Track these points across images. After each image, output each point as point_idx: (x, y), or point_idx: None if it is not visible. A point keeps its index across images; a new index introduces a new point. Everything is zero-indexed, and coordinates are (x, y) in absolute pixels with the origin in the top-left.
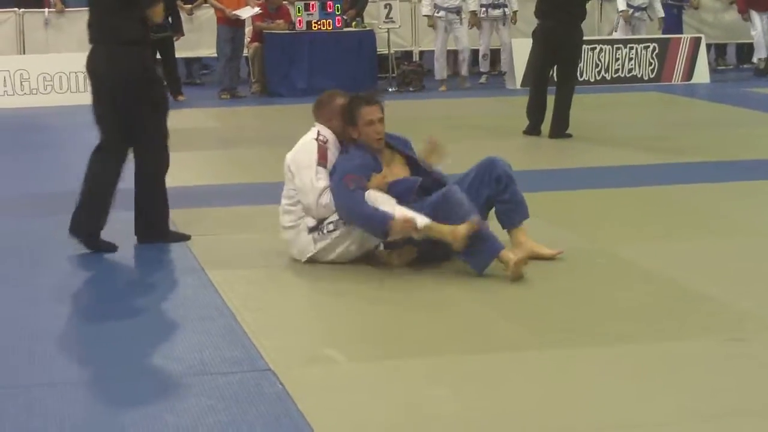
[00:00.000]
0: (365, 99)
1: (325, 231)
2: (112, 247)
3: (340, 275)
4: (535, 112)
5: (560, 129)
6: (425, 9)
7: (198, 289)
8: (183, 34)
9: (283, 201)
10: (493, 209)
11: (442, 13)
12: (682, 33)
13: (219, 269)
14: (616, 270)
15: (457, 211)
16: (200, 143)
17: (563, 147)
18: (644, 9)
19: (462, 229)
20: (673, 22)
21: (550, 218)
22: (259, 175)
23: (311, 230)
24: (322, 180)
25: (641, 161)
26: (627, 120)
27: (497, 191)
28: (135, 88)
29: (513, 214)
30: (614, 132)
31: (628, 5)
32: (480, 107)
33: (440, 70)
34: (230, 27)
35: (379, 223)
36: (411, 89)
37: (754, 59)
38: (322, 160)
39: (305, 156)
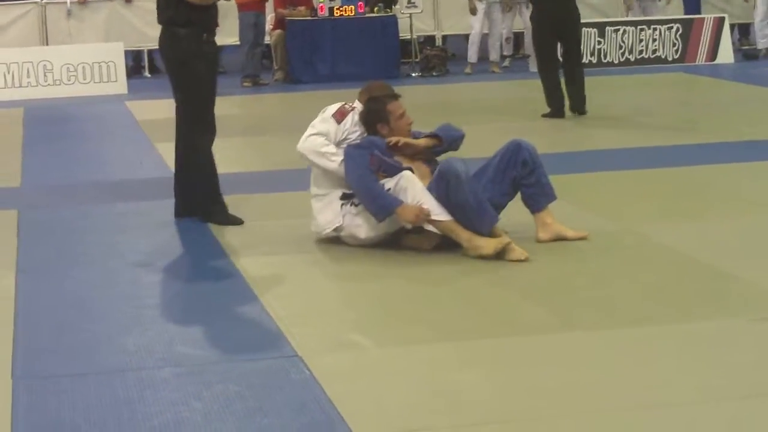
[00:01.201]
0: (388, 96)
1: (357, 202)
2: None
3: (366, 260)
4: (554, 95)
5: (580, 105)
6: None
7: (225, 276)
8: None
9: (314, 170)
10: (519, 192)
11: None
12: (700, 13)
13: (246, 256)
14: (643, 251)
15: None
16: (224, 131)
17: (587, 129)
18: None
19: (494, 242)
20: (693, 3)
21: (575, 200)
22: (284, 162)
23: (342, 199)
24: (321, 125)
25: (666, 142)
26: (652, 101)
27: (523, 174)
28: (172, 68)
29: (539, 197)
30: (639, 113)
31: None
32: (504, 90)
33: (474, 54)
34: (252, 12)
35: (385, 205)
36: (434, 74)
37: (759, 42)
38: (338, 116)
39: (323, 114)
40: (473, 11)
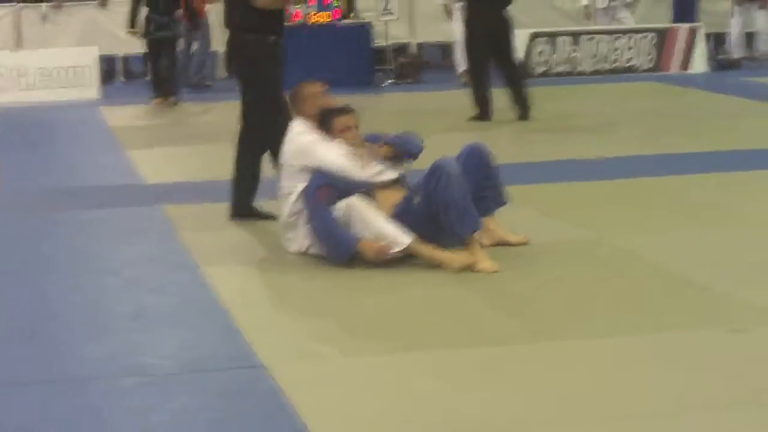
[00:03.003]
0: (339, 109)
1: None
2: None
3: (333, 270)
4: (482, 98)
5: (524, 111)
6: None
7: (192, 285)
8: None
9: (283, 193)
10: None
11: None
12: (695, 21)
13: (213, 265)
14: (615, 261)
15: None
16: (195, 138)
17: (557, 138)
18: None
19: (459, 259)
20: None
21: (545, 209)
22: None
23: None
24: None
25: (638, 152)
26: (624, 111)
27: (484, 177)
28: (242, 71)
29: (491, 202)
30: (611, 123)
31: None
32: None
33: (462, 60)
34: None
35: (344, 250)
36: (408, 81)
37: (733, 51)
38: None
39: (305, 138)
40: (450, 14)
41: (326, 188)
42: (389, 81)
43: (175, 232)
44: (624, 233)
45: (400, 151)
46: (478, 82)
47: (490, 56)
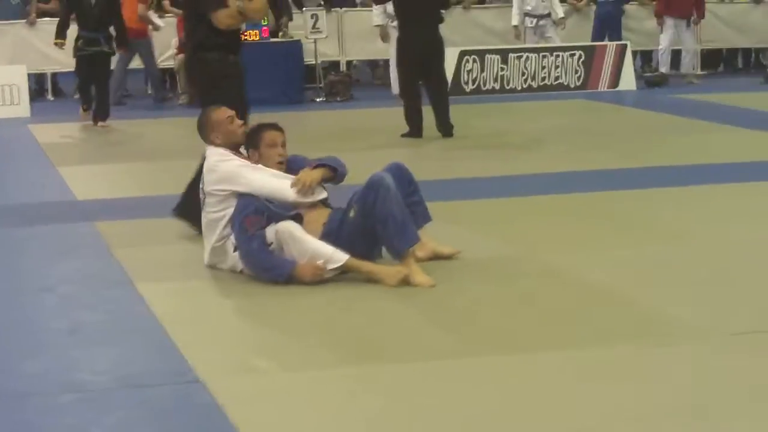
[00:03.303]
0: (269, 125)
1: None
2: None
3: (270, 287)
4: (413, 116)
5: (447, 129)
6: (377, 19)
7: (126, 302)
8: (125, 50)
9: (210, 219)
10: None
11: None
12: (620, 36)
13: (148, 282)
14: (544, 277)
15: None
16: (126, 155)
17: (485, 155)
18: (547, 15)
19: (395, 273)
20: (613, 24)
21: (473, 226)
22: (184, 185)
23: (236, 249)
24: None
25: (567, 168)
26: (553, 128)
27: (408, 192)
28: (202, 90)
29: (419, 218)
30: (539, 140)
31: (529, 15)
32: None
33: (396, 81)
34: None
35: (279, 274)
36: (338, 99)
37: (661, 67)
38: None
39: (228, 164)
40: (386, 36)
41: (253, 217)
42: (319, 99)
43: (109, 248)
44: (552, 249)
45: (337, 173)
46: (410, 100)
47: (421, 75)
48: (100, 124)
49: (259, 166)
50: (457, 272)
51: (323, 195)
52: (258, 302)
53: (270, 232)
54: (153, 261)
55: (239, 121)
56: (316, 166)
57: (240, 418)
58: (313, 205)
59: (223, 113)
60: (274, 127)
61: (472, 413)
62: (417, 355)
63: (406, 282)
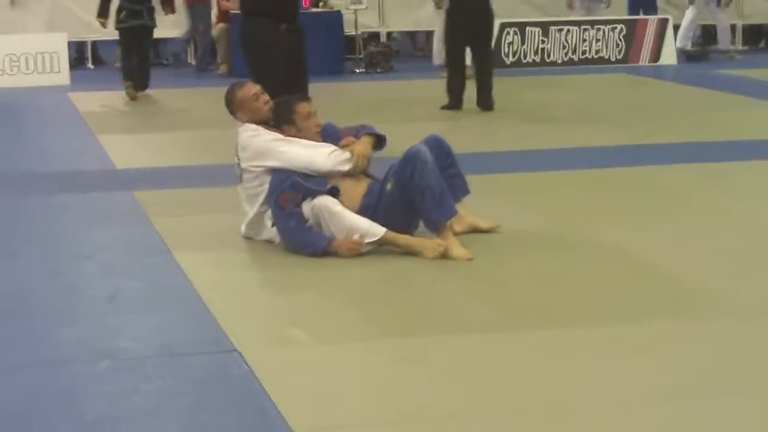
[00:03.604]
0: (298, 98)
1: None
2: None
3: (307, 258)
4: (455, 88)
5: (488, 103)
6: None
7: (164, 271)
8: (173, 11)
9: (249, 194)
10: None
11: None
12: (656, 12)
13: (186, 251)
14: (584, 251)
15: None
16: (165, 124)
17: (526, 128)
18: None
19: (434, 246)
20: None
21: (514, 200)
22: (224, 155)
23: (274, 224)
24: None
25: (608, 142)
26: (593, 102)
27: (445, 165)
28: (247, 55)
29: (457, 190)
30: (580, 113)
31: None
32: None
33: (439, 52)
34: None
35: (315, 249)
36: (378, 70)
37: (677, 43)
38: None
39: (260, 140)
40: (440, 3)
41: (289, 193)
42: (359, 70)
43: (147, 217)
44: (593, 223)
45: (381, 140)
46: (454, 72)
47: (469, 47)
48: (142, 95)
49: (293, 138)
50: (496, 246)
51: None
52: (295, 274)
53: (306, 208)
54: (191, 230)
55: (265, 97)
56: (359, 135)
57: (276, 389)
58: (348, 174)
59: (247, 90)
60: (303, 98)
61: (511, 387)
62: (456, 328)
63: (444, 255)
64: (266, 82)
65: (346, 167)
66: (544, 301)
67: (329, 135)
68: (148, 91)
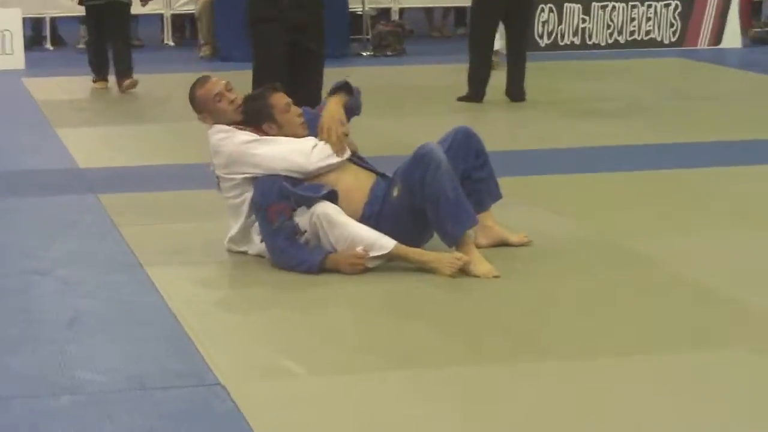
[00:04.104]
0: (269, 90)
1: None
2: None
3: (300, 276)
4: (478, 75)
5: (519, 91)
6: None
7: (135, 289)
8: None
9: (230, 204)
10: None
11: None
12: None
13: (160, 266)
14: (626, 268)
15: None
16: (136, 116)
17: (563, 122)
18: None
19: (452, 261)
20: None
21: (547, 206)
22: (203, 152)
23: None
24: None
25: (659, 140)
26: (643, 91)
27: (475, 166)
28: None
29: (485, 196)
30: (628, 105)
31: None
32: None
33: None
34: None
35: (310, 266)
36: (389, 53)
37: None
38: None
39: (231, 144)
40: None
41: (276, 204)
42: (367, 53)
43: (115, 225)
44: (637, 235)
45: (352, 92)
46: (480, 56)
47: (497, 26)
48: (126, 85)
49: (271, 138)
50: (526, 262)
51: (346, 154)
52: (287, 294)
53: (303, 219)
54: (166, 241)
55: (230, 96)
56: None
57: (265, 427)
58: (342, 168)
59: (209, 89)
60: (274, 89)
61: (536, 421)
62: (475, 359)
63: (464, 272)
64: (259, 66)
65: (335, 159)
66: (582, 326)
67: (313, 124)
68: (137, 77)
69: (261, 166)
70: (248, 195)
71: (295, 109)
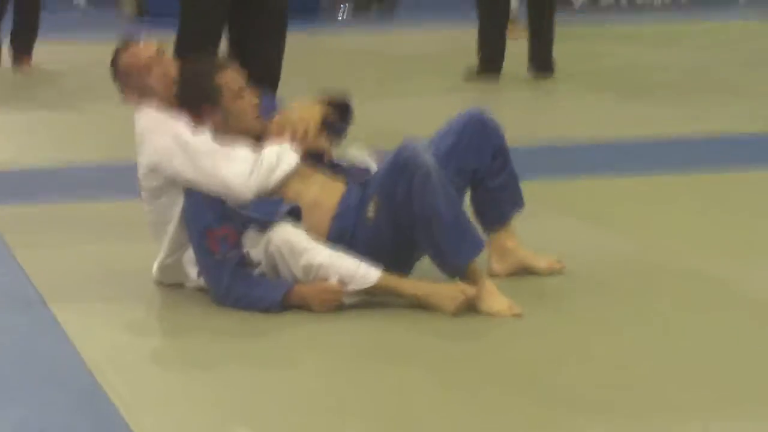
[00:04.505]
0: (216, 64)
1: None
2: None
3: (249, 315)
4: (492, 43)
5: (545, 63)
6: None
7: (37, 334)
8: None
9: (151, 221)
10: (472, 193)
11: None
12: None
13: (70, 302)
14: (688, 297)
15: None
16: (35, 98)
17: (601, 106)
18: None
19: (456, 295)
20: None
21: (584, 216)
22: (126, 148)
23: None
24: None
25: (734, 128)
26: (710, 62)
27: (491, 169)
28: None
29: (505, 206)
30: (690, 82)
31: None
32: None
33: None
34: None
35: (270, 303)
36: (373, 13)
37: None
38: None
39: (160, 136)
40: None
41: (217, 229)
42: (343, 14)
43: (7, 247)
44: (699, 253)
45: (345, 108)
46: (491, 17)
47: None
48: (26, 65)
49: (203, 139)
50: (556, 294)
51: (293, 159)
52: (238, 341)
53: (257, 249)
54: (76, 268)
55: (165, 65)
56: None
57: None
58: (306, 176)
59: (134, 55)
60: (225, 64)
61: None
62: (482, 425)
63: (473, 309)
64: (187, 23)
65: (286, 167)
66: (633, 383)
67: (270, 113)
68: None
69: (182, 177)
70: (175, 211)
71: (250, 96)
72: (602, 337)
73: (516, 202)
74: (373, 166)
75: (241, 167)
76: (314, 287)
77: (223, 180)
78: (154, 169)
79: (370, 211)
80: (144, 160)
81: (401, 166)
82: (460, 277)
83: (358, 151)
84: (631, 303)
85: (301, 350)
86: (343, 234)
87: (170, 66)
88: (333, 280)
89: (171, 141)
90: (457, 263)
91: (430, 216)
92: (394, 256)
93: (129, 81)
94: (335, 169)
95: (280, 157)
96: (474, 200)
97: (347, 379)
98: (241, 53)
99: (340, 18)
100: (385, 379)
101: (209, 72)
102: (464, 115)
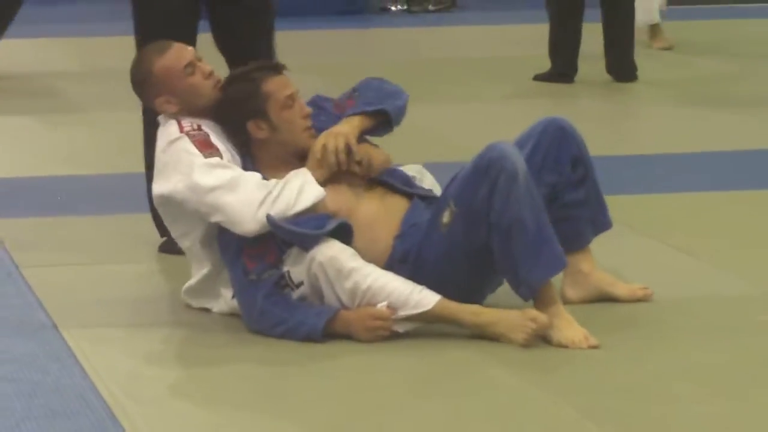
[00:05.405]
0: (263, 67)
1: None
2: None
3: (290, 343)
4: (564, 46)
5: (626, 67)
6: None
7: (48, 363)
8: None
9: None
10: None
11: None
12: None
13: (82, 328)
14: None
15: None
16: (25, 100)
17: (692, 115)
18: None
19: (525, 323)
20: None
21: (674, 240)
22: (128, 160)
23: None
24: (224, 169)
25: None
26: None
27: (571, 181)
28: None
29: (585, 226)
30: None
31: None
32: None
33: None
34: None
35: (311, 331)
36: (430, 8)
37: None
38: (205, 149)
39: (177, 165)
40: None
41: (254, 248)
42: (397, 7)
43: (15, 266)
44: None
45: (387, 115)
46: (565, 17)
47: None
48: None
49: (231, 170)
50: (639, 326)
51: (317, 192)
52: (272, 374)
53: (299, 268)
54: (91, 290)
55: (208, 68)
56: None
57: None
58: (360, 190)
59: (172, 59)
60: (273, 68)
61: None
62: None
63: (544, 339)
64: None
65: (305, 203)
66: (725, 426)
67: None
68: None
69: (193, 208)
70: (197, 234)
71: (301, 110)
72: (692, 375)
73: (597, 221)
74: (437, 187)
75: (250, 196)
76: (361, 313)
77: (224, 209)
78: (162, 204)
79: (446, 217)
80: (155, 190)
81: (485, 168)
82: (533, 301)
83: (418, 173)
84: (718, 331)
85: (342, 388)
86: (406, 255)
87: (212, 67)
88: (382, 305)
89: (182, 185)
90: (530, 279)
91: (511, 223)
92: (467, 276)
93: (167, 87)
94: (393, 182)
95: (301, 190)
96: (552, 217)
97: (399, 418)
98: (230, 60)
99: (393, 10)
100: (441, 418)
101: (254, 79)
102: (540, 123)
